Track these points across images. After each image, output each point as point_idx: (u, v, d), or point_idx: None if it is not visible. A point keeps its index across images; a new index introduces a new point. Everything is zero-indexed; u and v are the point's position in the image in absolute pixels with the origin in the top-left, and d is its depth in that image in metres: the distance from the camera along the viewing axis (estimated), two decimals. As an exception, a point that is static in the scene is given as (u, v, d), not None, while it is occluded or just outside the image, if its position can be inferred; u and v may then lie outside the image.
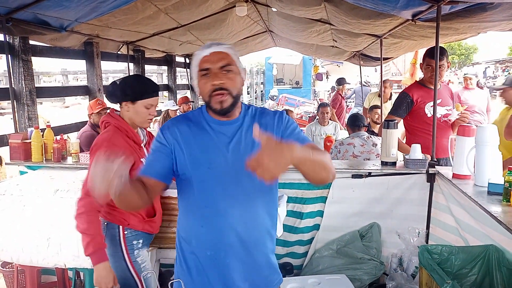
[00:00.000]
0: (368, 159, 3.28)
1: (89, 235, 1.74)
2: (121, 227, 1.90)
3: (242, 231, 1.35)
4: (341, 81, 7.74)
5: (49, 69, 14.24)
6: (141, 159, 1.90)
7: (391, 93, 5.84)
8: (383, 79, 5.51)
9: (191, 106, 5.63)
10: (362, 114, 4.77)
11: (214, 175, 1.32)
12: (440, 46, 2.80)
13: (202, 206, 1.34)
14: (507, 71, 26.57)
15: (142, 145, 2.00)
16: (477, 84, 5.27)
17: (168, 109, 5.50)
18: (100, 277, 1.73)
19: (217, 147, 1.33)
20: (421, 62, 3.12)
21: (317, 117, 5.57)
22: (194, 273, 1.39)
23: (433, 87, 2.83)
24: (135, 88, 1.92)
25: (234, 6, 4.83)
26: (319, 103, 6.88)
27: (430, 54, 2.98)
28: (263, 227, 1.41)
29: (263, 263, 1.43)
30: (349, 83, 8.37)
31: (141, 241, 1.95)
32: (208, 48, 1.32)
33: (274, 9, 5.05)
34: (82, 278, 2.73)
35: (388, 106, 5.47)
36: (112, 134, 1.88)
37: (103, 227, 1.88)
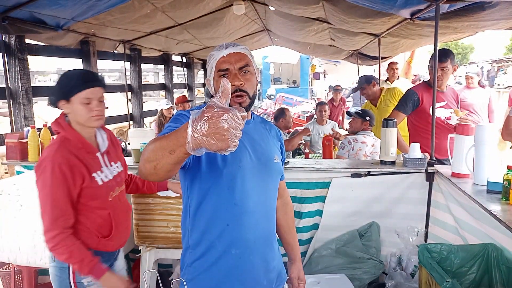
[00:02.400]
0: None
1: (76, 261, 1.60)
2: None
3: (264, 227, 1.39)
4: (334, 88, 7.83)
5: (44, 69, 14.13)
6: (97, 171, 1.70)
7: (398, 75, 5.80)
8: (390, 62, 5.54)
9: (189, 105, 5.60)
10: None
11: (243, 173, 1.32)
12: (446, 49, 2.81)
13: (232, 204, 1.31)
14: (502, 70, 26.70)
15: (98, 153, 1.75)
16: (479, 83, 5.27)
17: (162, 109, 5.47)
18: (111, 286, 1.65)
19: (243, 144, 1.33)
20: (429, 64, 3.08)
21: (315, 116, 5.57)
22: (216, 274, 1.32)
23: (441, 90, 2.95)
24: (64, 83, 1.67)
25: (232, 5, 4.81)
26: (317, 102, 6.88)
27: (440, 56, 2.92)
28: (273, 222, 1.46)
29: (277, 258, 1.47)
30: (340, 89, 8.24)
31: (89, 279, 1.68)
32: (225, 49, 1.33)
33: (271, 8, 5.04)
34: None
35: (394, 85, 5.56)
36: (56, 149, 1.64)
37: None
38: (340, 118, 7.65)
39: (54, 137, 3.03)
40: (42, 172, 1.61)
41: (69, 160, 1.62)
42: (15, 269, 2.59)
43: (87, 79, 1.68)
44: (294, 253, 1.65)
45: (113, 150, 1.85)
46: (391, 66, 5.63)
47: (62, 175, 1.59)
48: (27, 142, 2.94)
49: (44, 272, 2.77)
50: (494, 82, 25.75)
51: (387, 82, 5.70)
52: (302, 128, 6.41)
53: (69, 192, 1.61)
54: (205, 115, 0.83)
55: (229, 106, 1.30)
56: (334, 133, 4.18)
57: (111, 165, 1.80)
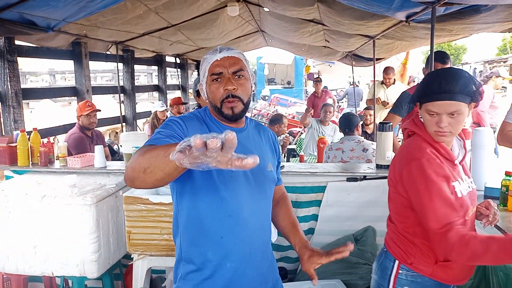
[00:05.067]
0: None
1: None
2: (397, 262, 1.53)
3: (260, 238, 1.35)
4: (315, 79, 7.90)
5: (36, 69, 13.98)
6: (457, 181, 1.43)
7: (394, 79, 5.83)
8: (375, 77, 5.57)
9: (184, 107, 5.54)
10: (355, 114, 4.78)
11: (236, 183, 1.27)
12: (444, 51, 2.79)
13: (226, 216, 1.26)
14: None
15: (457, 161, 1.47)
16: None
17: (157, 111, 5.41)
18: None
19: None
20: (424, 67, 3.05)
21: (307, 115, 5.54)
22: None
23: None
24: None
25: (226, 6, 4.78)
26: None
27: (439, 58, 2.87)
28: (269, 232, 1.42)
29: (272, 268, 1.44)
30: (320, 80, 8.29)
31: None
32: (219, 53, 1.29)
33: (266, 9, 5.01)
34: (70, 285, 2.66)
35: (390, 91, 5.59)
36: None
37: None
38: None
39: (44, 140, 2.98)
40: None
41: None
42: (4, 276, 2.53)
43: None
44: (300, 233, 1.44)
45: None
46: (386, 76, 5.66)
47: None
48: (16, 146, 2.87)
49: (33, 279, 2.71)
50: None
51: (383, 85, 5.71)
52: (298, 129, 6.40)
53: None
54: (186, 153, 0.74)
55: (222, 112, 1.28)
56: (287, 139, 4.25)
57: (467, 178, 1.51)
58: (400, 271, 1.51)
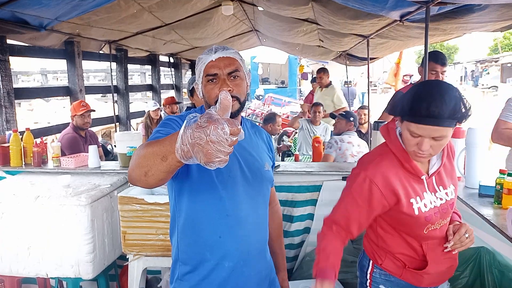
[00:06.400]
0: None
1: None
2: (371, 261, 1.57)
3: (257, 237, 1.35)
4: (314, 80, 7.93)
5: (27, 68, 13.84)
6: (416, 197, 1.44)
7: (330, 81, 5.99)
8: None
9: (177, 107, 5.52)
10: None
11: (235, 183, 1.28)
12: (440, 51, 2.79)
13: (224, 215, 1.26)
14: (486, 70, 27.22)
15: (423, 176, 1.44)
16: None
17: (149, 110, 5.38)
18: None
19: (233, 154, 1.28)
20: (420, 66, 3.04)
21: (301, 115, 5.57)
22: (208, 287, 1.29)
23: None
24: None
25: (220, 5, 4.76)
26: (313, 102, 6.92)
27: (436, 58, 2.84)
28: (266, 231, 1.43)
29: (269, 267, 1.44)
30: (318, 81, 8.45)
31: None
32: (214, 53, 1.28)
33: (260, 8, 5.00)
34: (65, 287, 2.64)
35: (325, 93, 5.77)
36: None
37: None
38: None
39: (37, 140, 2.95)
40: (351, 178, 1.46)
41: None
42: (-3, 278, 2.50)
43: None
44: (279, 263, 1.61)
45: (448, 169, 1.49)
46: (319, 77, 5.87)
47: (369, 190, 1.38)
48: (9, 146, 2.84)
49: (27, 280, 2.68)
50: (478, 82, 26.26)
51: (319, 87, 5.86)
52: (293, 129, 6.40)
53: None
54: (197, 123, 0.76)
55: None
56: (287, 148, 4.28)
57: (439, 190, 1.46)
58: (375, 270, 1.55)
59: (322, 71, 5.99)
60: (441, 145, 1.30)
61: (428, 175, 1.42)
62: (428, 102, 1.24)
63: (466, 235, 1.42)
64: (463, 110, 1.26)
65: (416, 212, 1.38)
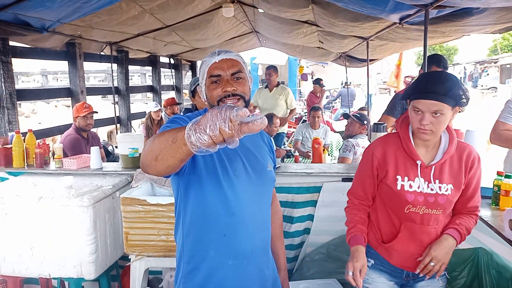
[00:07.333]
0: None
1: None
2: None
3: (261, 236, 1.38)
4: (317, 81, 7.97)
5: (28, 69, 13.84)
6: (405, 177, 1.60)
7: (278, 81, 5.66)
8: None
9: (178, 108, 5.54)
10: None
11: (239, 182, 1.30)
12: (441, 55, 2.81)
13: (229, 214, 1.29)
14: (486, 71, 27.25)
15: (419, 161, 1.58)
16: None
17: (151, 111, 5.40)
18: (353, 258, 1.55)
19: (237, 153, 1.32)
20: (421, 68, 3.08)
21: (304, 119, 5.58)
22: (211, 285, 1.30)
23: None
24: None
25: (221, 7, 4.78)
26: (311, 105, 6.94)
27: (437, 61, 2.88)
28: (269, 230, 1.45)
29: (271, 266, 1.46)
30: (324, 86, 8.52)
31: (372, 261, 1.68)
32: (218, 55, 1.32)
33: (261, 10, 5.03)
34: (67, 287, 2.66)
35: (275, 92, 5.54)
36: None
37: None
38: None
39: (39, 141, 2.96)
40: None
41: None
42: (0, 278, 2.52)
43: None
44: (280, 263, 1.63)
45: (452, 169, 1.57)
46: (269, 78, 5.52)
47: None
48: (11, 147, 2.86)
49: (30, 281, 2.71)
50: (477, 83, 26.28)
51: (267, 89, 5.53)
52: (292, 130, 6.42)
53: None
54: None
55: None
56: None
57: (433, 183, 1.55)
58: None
59: (272, 68, 5.52)
60: (440, 122, 1.45)
61: (426, 164, 1.55)
62: (426, 82, 1.48)
63: (432, 264, 1.55)
64: (460, 92, 1.44)
65: (398, 188, 1.55)
